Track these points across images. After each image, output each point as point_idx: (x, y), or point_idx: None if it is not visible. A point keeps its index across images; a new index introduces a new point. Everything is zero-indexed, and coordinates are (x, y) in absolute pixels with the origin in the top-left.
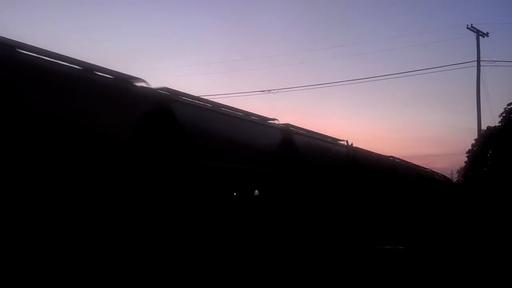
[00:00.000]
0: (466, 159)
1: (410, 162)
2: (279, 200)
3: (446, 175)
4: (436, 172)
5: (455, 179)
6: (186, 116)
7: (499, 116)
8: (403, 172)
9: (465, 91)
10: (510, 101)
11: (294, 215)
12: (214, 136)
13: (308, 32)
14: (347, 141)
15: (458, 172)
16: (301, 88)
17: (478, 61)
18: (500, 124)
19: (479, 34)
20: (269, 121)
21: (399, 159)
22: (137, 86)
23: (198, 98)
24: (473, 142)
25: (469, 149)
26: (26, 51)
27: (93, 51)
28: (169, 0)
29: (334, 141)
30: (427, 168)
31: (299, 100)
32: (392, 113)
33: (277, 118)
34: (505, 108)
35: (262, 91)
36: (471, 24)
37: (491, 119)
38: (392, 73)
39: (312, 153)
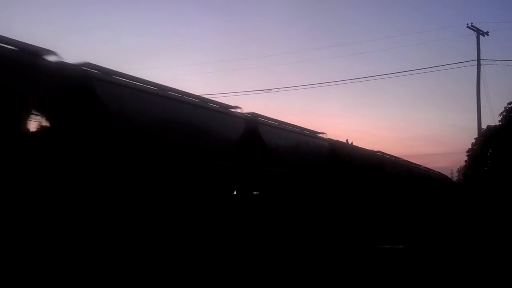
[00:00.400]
0: (466, 158)
1: (401, 158)
2: (238, 199)
3: (446, 174)
4: (431, 170)
5: (455, 178)
6: (115, 99)
7: (499, 115)
8: (392, 168)
9: (465, 90)
10: (510, 100)
11: (257, 214)
12: (157, 124)
13: (308, 32)
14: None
15: (458, 171)
16: (301, 87)
17: (478, 60)
18: (500, 123)
19: (479, 33)
20: (230, 109)
21: (388, 154)
22: (46, 60)
23: (139, 80)
24: (473, 141)
25: (469, 148)
26: None
27: (91, 51)
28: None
29: (312, 134)
30: (421, 165)
31: (299, 99)
32: (392, 112)
33: (239, 107)
34: (505, 107)
35: (262, 90)
36: (471, 23)
37: (491, 118)
38: (392, 72)
39: (283, 147)
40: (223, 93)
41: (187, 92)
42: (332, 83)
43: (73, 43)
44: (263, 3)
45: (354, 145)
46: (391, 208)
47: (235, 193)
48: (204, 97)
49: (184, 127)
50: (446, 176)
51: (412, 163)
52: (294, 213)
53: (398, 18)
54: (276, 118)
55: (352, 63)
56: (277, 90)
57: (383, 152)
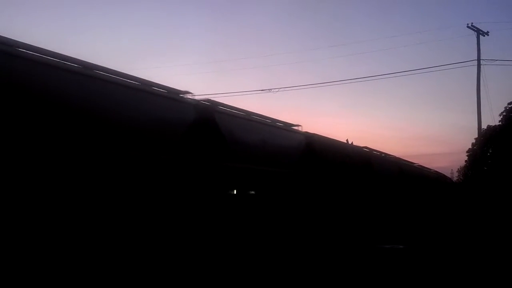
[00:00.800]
0: (466, 158)
1: (391, 155)
2: (180, 198)
3: (447, 174)
4: (427, 168)
5: (455, 178)
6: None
7: (500, 115)
8: (381, 166)
9: (466, 90)
10: (511, 100)
11: (214, 217)
12: (75, 108)
13: (308, 32)
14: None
15: (458, 171)
16: (301, 87)
17: (479, 60)
18: (500, 123)
19: (480, 33)
20: (180, 95)
21: (376, 150)
22: None
23: (55, 55)
24: (473, 141)
25: (469, 148)
26: None
27: (90, 51)
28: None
29: (286, 126)
30: (415, 163)
31: (300, 99)
32: (393, 112)
33: (191, 91)
34: (505, 107)
35: (262, 90)
36: (472, 23)
37: (491, 118)
38: (392, 72)
39: (247, 139)
40: (223, 93)
41: (120, 73)
42: (332, 83)
43: (71, 43)
44: (263, 3)
45: (336, 140)
46: (378, 208)
47: (176, 190)
48: (143, 79)
49: (112, 113)
50: (444, 175)
51: (404, 160)
52: (258, 214)
53: (398, 18)
54: (243, 108)
55: (352, 63)
56: (277, 90)
57: (370, 148)
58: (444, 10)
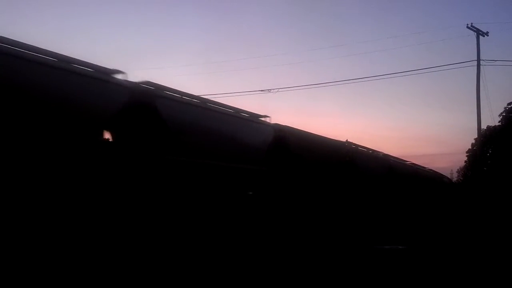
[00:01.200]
0: (466, 158)
1: (380, 152)
2: (114, 199)
3: (446, 175)
4: (421, 167)
5: (455, 179)
6: None
7: (499, 115)
8: (367, 163)
9: (465, 91)
10: (510, 101)
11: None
12: None
13: (308, 32)
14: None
15: (458, 171)
16: (300, 87)
17: (478, 60)
18: (500, 124)
19: (479, 33)
20: (112, 75)
21: (363, 147)
22: None
23: None
24: (473, 141)
25: (469, 149)
26: None
27: (84, 51)
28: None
29: (252, 117)
30: (407, 161)
31: (300, 100)
32: (392, 113)
33: (124, 72)
34: (505, 108)
35: (261, 90)
36: (471, 23)
37: (491, 118)
38: (392, 72)
39: (200, 130)
40: (222, 93)
41: (30, 45)
42: (332, 83)
43: (68, 43)
44: (263, 3)
45: (311, 133)
46: (363, 208)
47: (90, 186)
48: (67, 56)
49: (21, 95)
50: (441, 174)
51: (394, 157)
52: (210, 216)
53: (398, 18)
54: (197, 95)
55: (352, 63)
56: (277, 90)
57: (354, 143)
58: (444, 10)
